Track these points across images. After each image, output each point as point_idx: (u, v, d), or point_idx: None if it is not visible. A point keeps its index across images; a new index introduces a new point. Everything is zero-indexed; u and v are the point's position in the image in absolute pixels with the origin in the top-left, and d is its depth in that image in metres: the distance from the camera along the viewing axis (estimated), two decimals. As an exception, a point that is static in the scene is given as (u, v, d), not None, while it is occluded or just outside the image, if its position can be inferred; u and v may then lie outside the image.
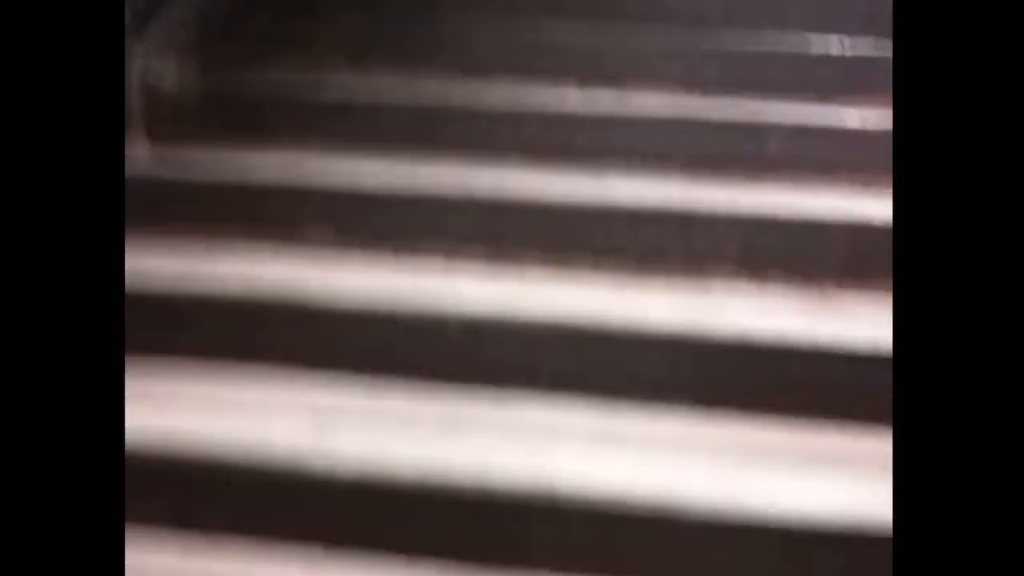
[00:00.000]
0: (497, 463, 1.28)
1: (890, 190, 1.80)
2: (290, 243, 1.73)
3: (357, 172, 1.85)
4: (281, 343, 1.50)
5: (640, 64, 2.19)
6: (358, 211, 1.77)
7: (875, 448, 1.30)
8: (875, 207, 1.72)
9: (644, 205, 1.75)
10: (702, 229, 1.72)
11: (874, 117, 1.97)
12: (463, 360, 1.47)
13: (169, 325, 1.54)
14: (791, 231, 1.71)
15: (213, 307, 1.53)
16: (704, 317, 1.52)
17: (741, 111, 2.01)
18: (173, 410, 1.39)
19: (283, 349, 1.49)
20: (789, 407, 1.40)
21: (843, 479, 1.28)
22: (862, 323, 1.52)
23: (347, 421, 1.37)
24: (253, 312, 1.52)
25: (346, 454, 1.28)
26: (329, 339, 1.51)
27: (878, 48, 2.14)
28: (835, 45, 2.20)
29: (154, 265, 1.62)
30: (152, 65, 1.97)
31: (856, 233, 1.69)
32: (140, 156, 1.90)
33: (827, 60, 2.18)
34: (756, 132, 1.96)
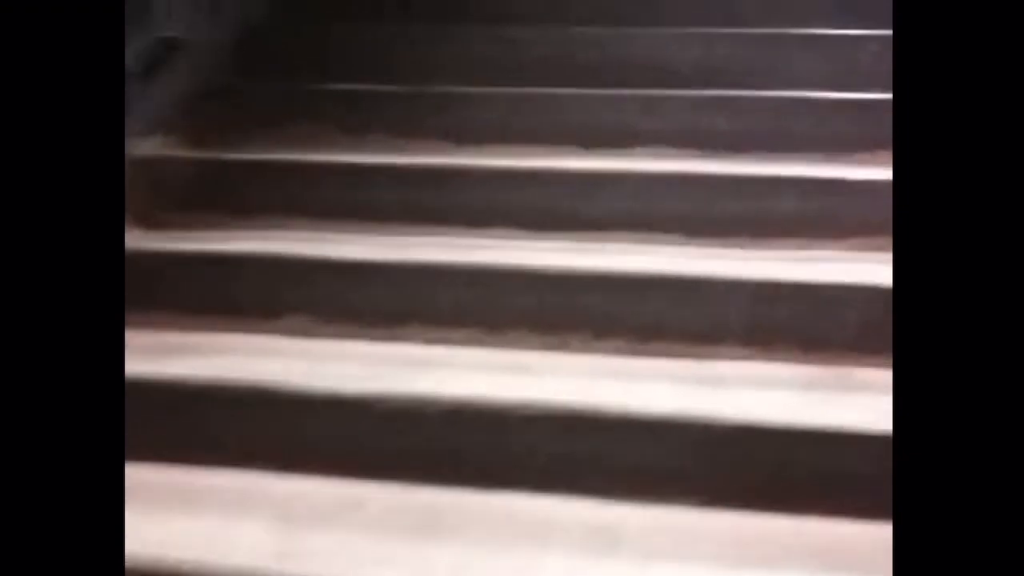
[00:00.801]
0: (481, 570, 1.18)
1: None
2: (267, 325, 1.67)
3: (340, 247, 1.78)
4: (246, 434, 1.42)
5: (646, 122, 2.13)
6: (339, 289, 1.69)
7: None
8: (889, 274, 1.62)
9: (645, 274, 1.66)
10: (706, 300, 1.62)
11: (886, 174, 1.88)
12: (444, 452, 1.38)
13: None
14: (801, 300, 1.60)
15: (180, 393, 1.46)
16: (707, 400, 1.41)
17: (748, 170, 1.92)
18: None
19: (248, 442, 1.40)
20: (798, 501, 1.29)
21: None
22: (878, 401, 1.41)
23: (317, 523, 1.28)
24: (219, 400, 1.44)
25: (314, 563, 1.19)
26: (297, 430, 1.43)
27: (886, 101, 2.07)
28: (843, 98, 2.12)
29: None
30: (135, 141, 1.93)
31: (871, 302, 1.58)
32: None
33: (836, 113, 2.09)
34: (764, 192, 1.86)
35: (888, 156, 1.98)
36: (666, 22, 2.51)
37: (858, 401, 1.42)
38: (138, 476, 1.29)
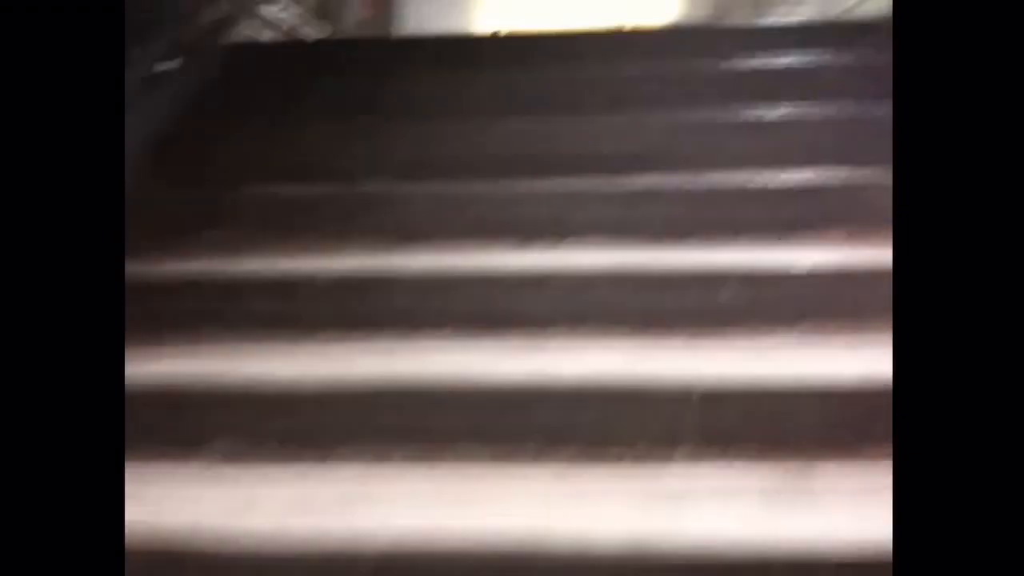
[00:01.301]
0: None
1: (859, 340, 1.62)
2: (194, 454, 1.52)
3: (270, 365, 1.65)
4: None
5: (579, 213, 2.07)
6: (266, 414, 1.56)
7: None
8: (846, 364, 1.56)
9: (589, 380, 1.57)
10: (655, 405, 1.53)
11: (831, 257, 1.84)
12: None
13: None
14: (754, 400, 1.53)
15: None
16: (659, 519, 1.31)
17: (688, 260, 1.87)
18: None
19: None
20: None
21: None
22: (844, 507, 1.32)
23: None
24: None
25: None
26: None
27: (827, 180, 2.05)
28: (780, 180, 2.09)
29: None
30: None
31: (828, 397, 1.51)
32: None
33: (775, 197, 2.06)
34: (707, 283, 1.80)
35: (830, 236, 1.96)
36: (592, 109, 2.49)
37: (823, 507, 1.34)
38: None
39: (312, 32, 4.40)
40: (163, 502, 1.40)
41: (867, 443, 1.43)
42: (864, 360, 1.56)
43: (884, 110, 2.31)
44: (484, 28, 7.20)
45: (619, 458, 1.47)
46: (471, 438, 1.52)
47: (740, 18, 5.84)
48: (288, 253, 1.98)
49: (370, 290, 1.86)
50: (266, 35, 4.11)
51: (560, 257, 1.93)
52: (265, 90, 2.56)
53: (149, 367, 1.63)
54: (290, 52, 3.34)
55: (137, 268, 1.89)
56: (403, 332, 1.76)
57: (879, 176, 2.08)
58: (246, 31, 3.88)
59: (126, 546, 1.30)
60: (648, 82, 2.55)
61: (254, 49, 3.18)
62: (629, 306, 1.78)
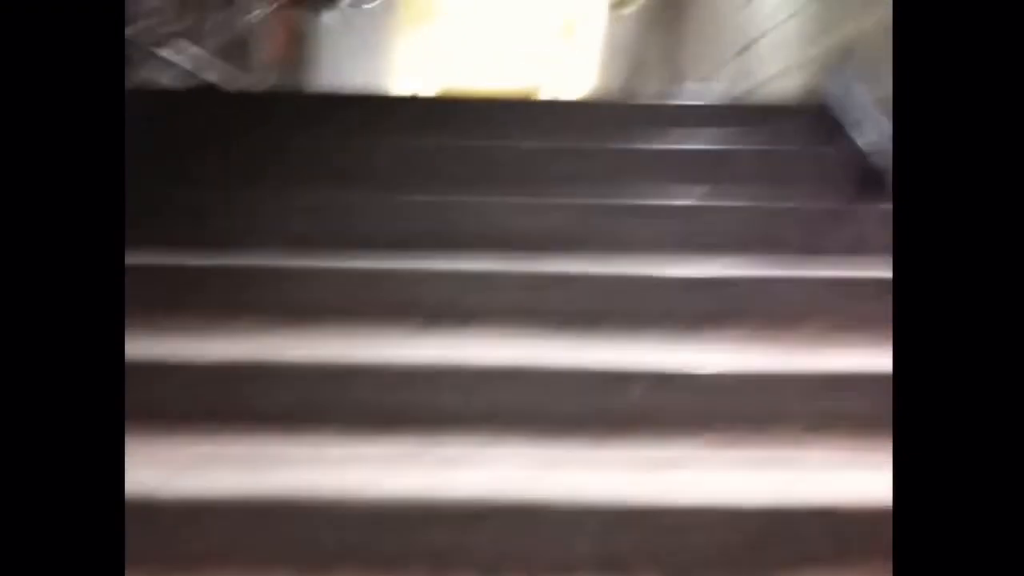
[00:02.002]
0: None
1: (769, 451, 1.53)
2: None
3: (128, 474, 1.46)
4: None
5: (482, 296, 1.97)
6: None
7: None
8: (755, 481, 1.49)
9: (485, 497, 1.44)
10: (553, 525, 1.42)
11: (740, 358, 1.78)
12: None
13: None
14: (656, 517, 1.44)
15: None
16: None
17: (594, 356, 1.78)
18: None
19: None
20: None
21: None
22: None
23: None
24: None
25: None
26: None
27: (737, 270, 2.02)
28: (690, 269, 2.05)
29: None
30: None
31: (737, 518, 1.43)
32: None
33: (684, 287, 2.01)
34: (612, 382, 1.71)
35: (737, 332, 1.92)
36: (502, 184, 2.42)
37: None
38: None
39: (216, 75, 4.21)
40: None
41: (775, 570, 1.36)
42: (773, 477, 1.50)
43: (795, 198, 2.35)
44: (395, 86, 7.13)
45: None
46: (351, 561, 1.37)
47: (654, 89, 5.95)
48: (165, 332, 1.80)
49: (248, 379, 1.70)
50: (166, 77, 3.91)
51: (460, 347, 1.81)
52: (157, 142, 2.38)
53: None
54: (187, 101, 3.17)
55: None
56: (281, 432, 1.60)
57: (788, 265, 2.07)
58: (144, 73, 3.68)
59: None
60: (561, 158, 2.50)
61: (148, 96, 3.00)
62: (530, 406, 1.68)
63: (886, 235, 2.18)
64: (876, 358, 1.76)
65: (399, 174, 2.37)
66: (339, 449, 1.58)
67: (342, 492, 1.42)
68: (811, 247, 2.22)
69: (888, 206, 2.18)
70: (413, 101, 2.88)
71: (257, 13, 4.62)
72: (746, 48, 3.86)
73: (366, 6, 4.67)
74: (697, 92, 4.74)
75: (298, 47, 5.28)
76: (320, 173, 2.35)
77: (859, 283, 1.99)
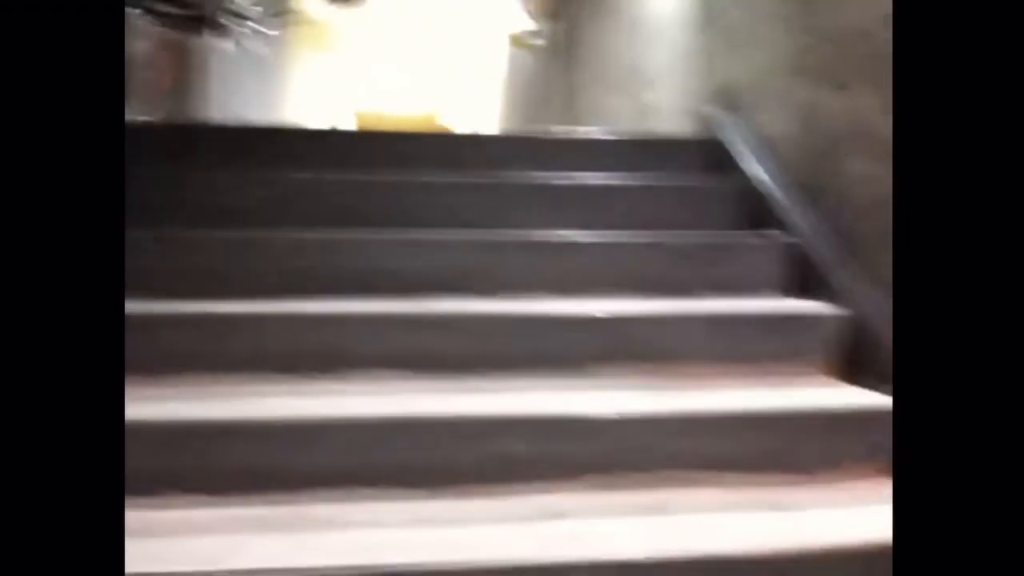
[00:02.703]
0: None
1: (653, 496, 1.45)
2: None
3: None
4: None
5: (364, 342, 1.87)
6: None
7: None
8: (640, 529, 1.43)
9: (353, 564, 1.33)
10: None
11: (633, 404, 1.73)
12: None
13: None
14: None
15: None
16: None
17: (471, 402, 1.71)
18: None
19: None
20: None
21: None
22: None
23: None
24: None
25: None
26: None
27: (631, 309, 1.98)
28: (582, 309, 2.00)
29: None
30: None
31: (624, 572, 1.37)
32: None
33: (576, 327, 1.96)
34: (498, 431, 1.63)
35: (624, 373, 1.88)
36: (376, 222, 2.34)
37: None
38: None
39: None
40: None
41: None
42: (657, 523, 1.45)
43: (681, 229, 2.34)
44: (290, 115, 6.95)
45: None
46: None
47: (555, 119, 5.98)
48: None
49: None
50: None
51: (333, 398, 1.71)
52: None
53: None
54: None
55: None
56: (141, 498, 1.45)
57: (684, 307, 2.04)
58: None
59: None
60: (452, 193, 2.43)
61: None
62: (412, 463, 1.58)
63: (776, 268, 2.22)
64: (762, 399, 1.75)
65: (274, 210, 2.26)
66: (205, 511, 1.45)
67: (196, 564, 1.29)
68: (697, 281, 2.21)
69: (778, 237, 2.20)
70: (297, 132, 2.76)
71: (141, 40, 4.42)
72: (643, 84, 3.91)
73: (268, 32, 4.53)
74: (595, 124, 4.79)
75: (187, 76, 5.08)
76: (185, 210, 2.21)
77: (744, 320, 1.98)
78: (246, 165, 2.51)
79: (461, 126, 11.99)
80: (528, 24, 6.44)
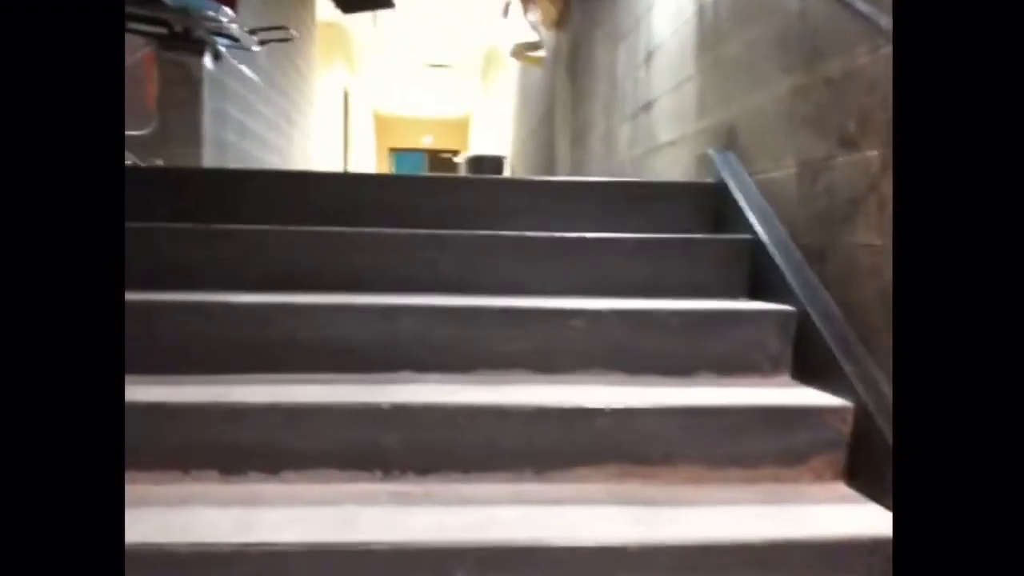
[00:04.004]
0: None
1: None
2: None
3: None
4: None
5: (296, 435, 1.66)
6: None
7: None
8: None
9: None
10: None
11: (603, 518, 1.51)
12: None
13: None
14: None
15: None
16: None
17: (418, 520, 1.49)
18: None
19: None
20: None
21: None
22: None
23: None
24: None
25: None
26: None
27: (600, 397, 1.75)
28: (548, 396, 1.78)
29: None
30: None
31: None
32: None
33: (537, 419, 1.73)
34: (441, 561, 1.42)
35: (599, 480, 1.67)
36: (335, 286, 2.13)
37: None
38: None
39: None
40: None
41: None
42: None
43: (673, 296, 2.12)
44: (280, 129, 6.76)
45: None
46: None
47: (561, 136, 5.76)
48: None
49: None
50: None
51: (260, 512, 1.50)
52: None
53: None
54: None
55: None
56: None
57: (675, 397, 1.82)
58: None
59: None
60: (420, 245, 2.22)
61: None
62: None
63: (774, 343, 1.99)
64: (759, 520, 1.52)
65: (205, 267, 2.06)
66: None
67: None
68: (687, 363, 1.99)
69: (777, 307, 1.97)
70: (260, 173, 2.55)
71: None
72: (640, 110, 3.68)
73: (254, 48, 4.32)
74: (594, 141, 4.56)
75: (177, 91, 4.89)
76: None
77: (741, 412, 1.75)
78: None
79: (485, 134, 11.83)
80: (530, 36, 6.21)
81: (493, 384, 1.86)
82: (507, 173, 8.21)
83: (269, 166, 5.63)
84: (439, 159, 17.32)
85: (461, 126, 17.26)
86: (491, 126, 11.33)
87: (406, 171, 17.43)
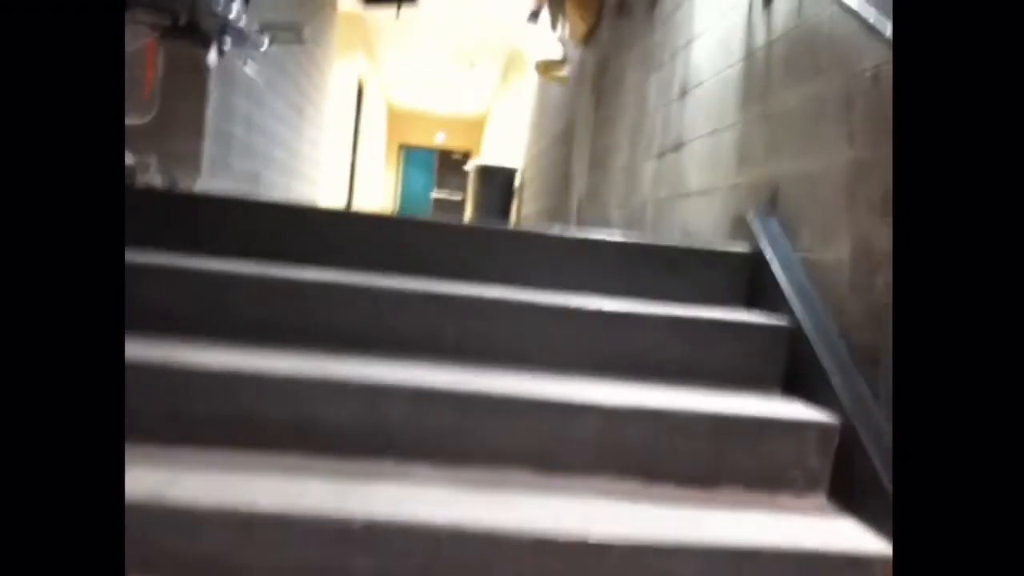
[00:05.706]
0: None
1: None
2: None
3: None
4: None
5: (255, 557, 1.41)
6: None
7: None
8: None
9: None
10: None
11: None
12: None
13: None
14: None
15: None
16: None
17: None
18: None
19: None
20: None
21: None
22: None
23: None
24: None
25: None
26: None
27: (608, 520, 1.49)
28: (550, 514, 1.52)
29: None
30: None
31: None
32: None
33: (536, 549, 1.47)
34: None
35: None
36: (324, 346, 1.87)
37: None
38: None
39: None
40: None
41: None
42: None
43: (719, 405, 1.85)
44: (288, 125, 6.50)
45: None
46: None
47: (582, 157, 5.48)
48: None
49: None
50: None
51: None
52: None
53: None
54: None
55: None
56: None
57: (676, 527, 1.56)
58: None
59: None
60: (399, 314, 1.96)
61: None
62: None
63: (813, 460, 1.73)
64: None
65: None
66: None
67: None
68: (711, 472, 1.74)
69: (819, 417, 1.71)
70: (243, 203, 2.30)
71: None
72: (669, 149, 3.41)
73: (261, 49, 4.07)
74: (612, 175, 4.29)
75: (179, 80, 4.63)
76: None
77: (773, 557, 1.49)
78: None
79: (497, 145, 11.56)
80: (555, 51, 5.94)
81: (487, 490, 1.60)
82: (517, 183, 7.93)
83: (273, 162, 5.37)
84: (450, 160, 17.05)
85: (476, 126, 16.99)
86: (506, 131, 11.06)
87: (415, 170, 17.25)
